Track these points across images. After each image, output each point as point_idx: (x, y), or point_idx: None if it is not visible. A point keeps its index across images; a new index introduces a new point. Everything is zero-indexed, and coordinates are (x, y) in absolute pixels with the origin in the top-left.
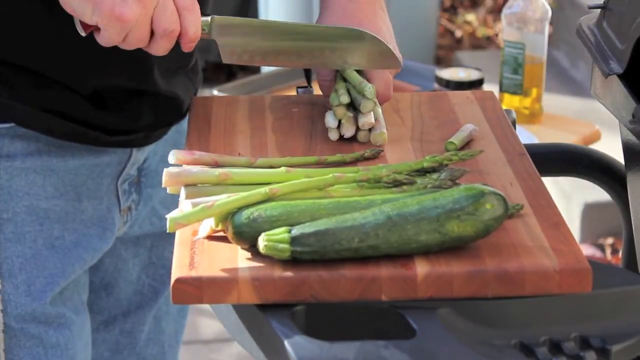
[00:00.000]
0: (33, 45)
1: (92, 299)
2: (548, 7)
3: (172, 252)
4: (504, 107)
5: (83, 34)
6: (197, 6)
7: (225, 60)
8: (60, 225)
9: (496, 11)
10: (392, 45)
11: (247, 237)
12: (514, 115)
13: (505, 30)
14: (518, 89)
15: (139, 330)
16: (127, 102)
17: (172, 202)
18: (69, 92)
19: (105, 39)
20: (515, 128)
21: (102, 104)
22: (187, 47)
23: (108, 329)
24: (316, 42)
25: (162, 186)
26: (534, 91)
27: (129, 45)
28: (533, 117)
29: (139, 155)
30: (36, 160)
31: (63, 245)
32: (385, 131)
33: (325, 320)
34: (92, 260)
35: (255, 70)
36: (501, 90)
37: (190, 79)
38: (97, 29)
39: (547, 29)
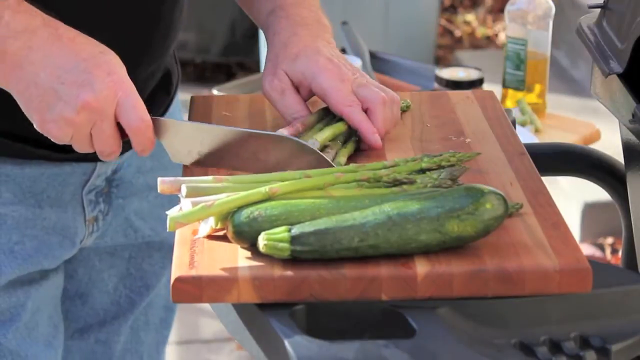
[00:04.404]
0: None
1: (68, 306)
2: (551, 4)
3: (150, 264)
4: (508, 103)
5: None
6: (146, 126)
7: (175, 160)
8: (18, 231)
9: (496, 11)
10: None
11: (247, 236)
12: (514, 114)
13: (508, 27)
14: (520, 85)
15: (114, 341)
16: None
17: (148, 213)
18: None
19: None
20: (515, 128)
21: None
22: (140, 155)
23: (83, 337)
24: (251, 148)
25: (159, 192)
26: (537, 87)
27: (75, 150)
28: (536, 112)
29: (104, 167)
30: None
31: (23, 250)
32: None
33: (325, 320)
34: (50, 266)
35: (255, 70)
36: (504, 86)
37: (163, 89)
38: None
39: (550, 25)
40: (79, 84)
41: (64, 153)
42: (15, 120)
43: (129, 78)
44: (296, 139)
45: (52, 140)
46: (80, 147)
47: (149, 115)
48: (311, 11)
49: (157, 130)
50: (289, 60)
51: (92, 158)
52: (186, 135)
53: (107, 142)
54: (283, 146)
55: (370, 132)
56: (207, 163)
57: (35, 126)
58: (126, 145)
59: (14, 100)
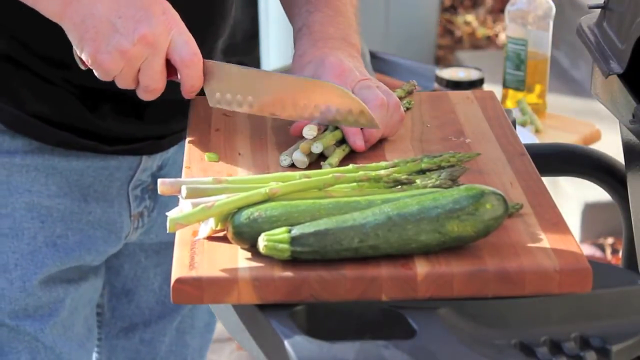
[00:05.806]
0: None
1: (114, 304)
2: (552, 4)
3: None
4: (509, 103)
5: (82, 67)
6: (198, 60)
7: (213, 105)
8: (63, 224)
9: (496, 11)
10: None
11: (247, 237)
12: (514, 115)
13: (509, 27)
14: (520, 85)
15: (159, 341)
16: (133, 109)
17: None
18: (70, 95)
19: (96, 74)
20: (515, 128)
21: (104, 111)
22: (187, 96)
23: (128, 336)
24: (300, 94)
25: (159, 193)
26: (537, 87)
27: (118, 85)
28: (536, 113)
29: (149, 161)
30: (37, 158)
31: (65, 244)
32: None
33: (325, 320)
34: (93, 262)
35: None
36: (504, 86)
37: None
38: None
39: (551, 25)
40: (137, 19)
41: (110, 145)
42: (63, 109)
43: (180, 18)
44: (338, 85)
45: (99, 74)
46: (125, 82)
47: (199, 51)
48: (338, 29)
49: (204, 72)
50: (300, 67)
51: (138, 151)
52: (230, 80)
53: (154, 77)
54: (326, 92)
55: (352, 133)
56: (246, 108)
57: (85, 58)
58: (172, 139)
59: (62, 89)
